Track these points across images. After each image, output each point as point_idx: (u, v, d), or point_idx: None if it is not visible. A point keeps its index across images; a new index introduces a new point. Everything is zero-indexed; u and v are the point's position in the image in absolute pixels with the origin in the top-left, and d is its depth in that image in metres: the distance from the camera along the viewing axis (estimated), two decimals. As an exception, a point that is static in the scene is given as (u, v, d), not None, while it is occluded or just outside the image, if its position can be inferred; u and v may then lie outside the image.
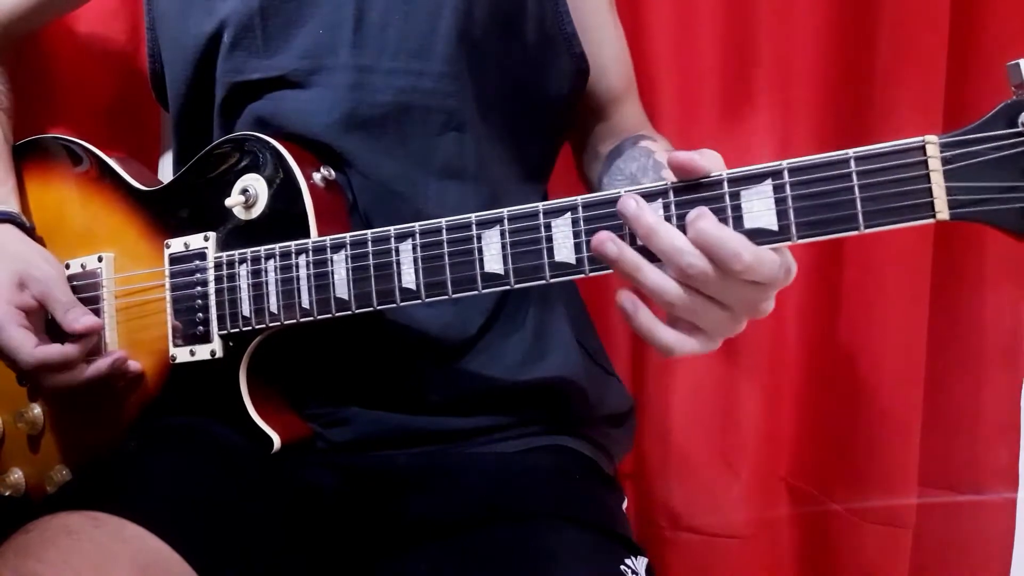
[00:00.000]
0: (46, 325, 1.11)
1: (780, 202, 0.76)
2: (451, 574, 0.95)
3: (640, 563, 1.00)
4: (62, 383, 1.08)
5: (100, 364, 1.08)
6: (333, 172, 1.06)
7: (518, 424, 1.13)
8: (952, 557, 1.51)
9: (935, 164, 0.71)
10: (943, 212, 0.71)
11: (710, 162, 0.79)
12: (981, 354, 1.47)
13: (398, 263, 0.93)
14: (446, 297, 0.91)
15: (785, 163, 0.76)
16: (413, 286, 0.92)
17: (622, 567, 0.97)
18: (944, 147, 0.71)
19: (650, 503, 1.55)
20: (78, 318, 1.07)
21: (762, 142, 1.46)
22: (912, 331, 1.45)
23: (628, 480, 1.55)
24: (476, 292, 0.89)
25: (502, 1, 1.12)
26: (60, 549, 0.83)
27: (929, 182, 0.71)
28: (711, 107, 1.49)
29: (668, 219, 0.80)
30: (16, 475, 1.18)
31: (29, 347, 1.05)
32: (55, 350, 1.06)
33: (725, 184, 0.78)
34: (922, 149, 0.72)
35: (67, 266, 1.14)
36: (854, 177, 0.73)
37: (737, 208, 0.77)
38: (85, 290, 1.12)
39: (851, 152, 0.74)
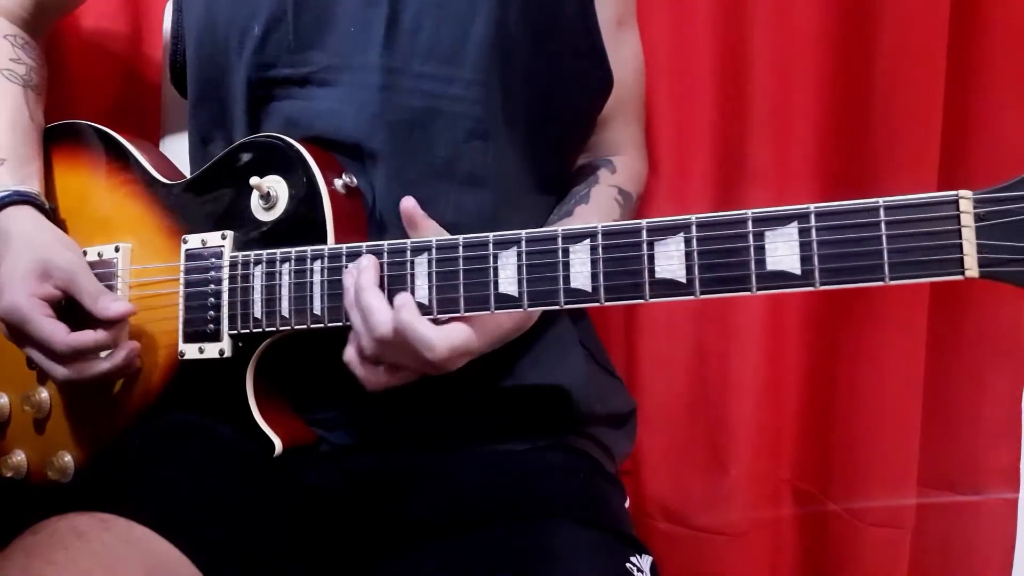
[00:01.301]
0: (65, 314, 1.07)
1: (805, 247, 0.74)
2: (456, 573, 0.95)
3: (645, 561, 0.99)
4: (87, 374, 1.04)
5: (117, 356, 1.05)
6: (355, 180, 1.03)
7: (522, 425, 1.11)
8: (952, 558, 1.50)
9: (967, 220, 0.68)
10: (972, 269, 0.69)
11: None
12: (981, 354, 1.45)
13: (412, 276, 0.90)
14: (457, 314, 0.89)
15: (812, 207, 0.74)
16: (425, 301, 0.90)
17: (627, 565, 0.97)
18: (978, 203, 0.69)
19: (644, 498, 1.54)
20: (109, 305, 1.03)
21: (761, 145, 1.44)
22: (912, 331, 1.43)
23: (623, 476, 1.54)
24: (488, 312, 0.88)
25: (536, 12, 1.08)
26: (69, 551, 0.82)
27: (960, 238, 0.69)
28: (707, 112, 1.46)
29: (690, 254, 0.78)
30: (19, 457, 1.16)
31: (62, 334, 1.02)
32: (89, 336, 1.03)
33: (750, 223, 0.76)
34: (955, 204, 0.69)
35: (84, 253, 1.12)
36: (883, 227, 0.71)
37: (760, 250, 0.75)
38: (100, 279, 1.08)
39: (881, 201, 0.71)
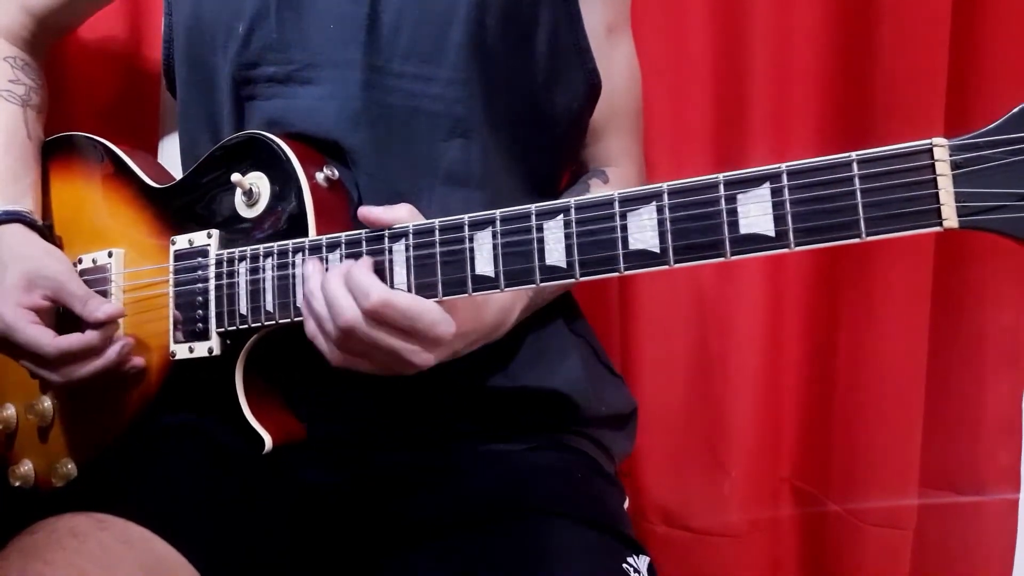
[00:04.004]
0: (58, 322, 1.05)
1: (778, 207, 0.68)
2: (455, 572, 0.90)
3: (642, 562, 0.94)
4: (80, 375, 1.01)
5: (109, 353, 1.01)
6: (337, 172, 0.99)
7: (522, 424, 1.06)
8: (953, 558, 1.45)
9: (943, 168, 0.62)
10: (951, 220, 0.62)
11: (396, 214, 0.86)
12: (982, 355, 1.41)
13: (391, 263, 0.85)
14: (436, 299, 0.84)
15: (784, 166, 0.68)
16: (405, 286, 0.84)
17: (624, 565, 0.92)
18: (954, 150, 0.62)
19: (641, 500, 1.50)
20: (98, 307, 1.01)
21: (758, 147, 1.39)
22: (914, 332, 1.39)
23: (621, 478, 1.49)
24: (466, 295, 0.82)
25: (515, 11, 1.04)
26: (66, 551, 0.79)
27: (936, 188, 0.62)
28: (705, 112, 1.42)
29: (663, 222, 0.72)
30: (27, 466, 1.13)
31: (48, 339, 0.99)
32: (76, 339, 1.00)
33: (721, 187, 0.70)
34: (929, 152, 0.63)
35: (79, 261, 1.09)
36: (856, 181, 0.65)
37: (733, 212, 0.69)
38: (94, 285, 1.06)
39: (854, 155, 0.65)
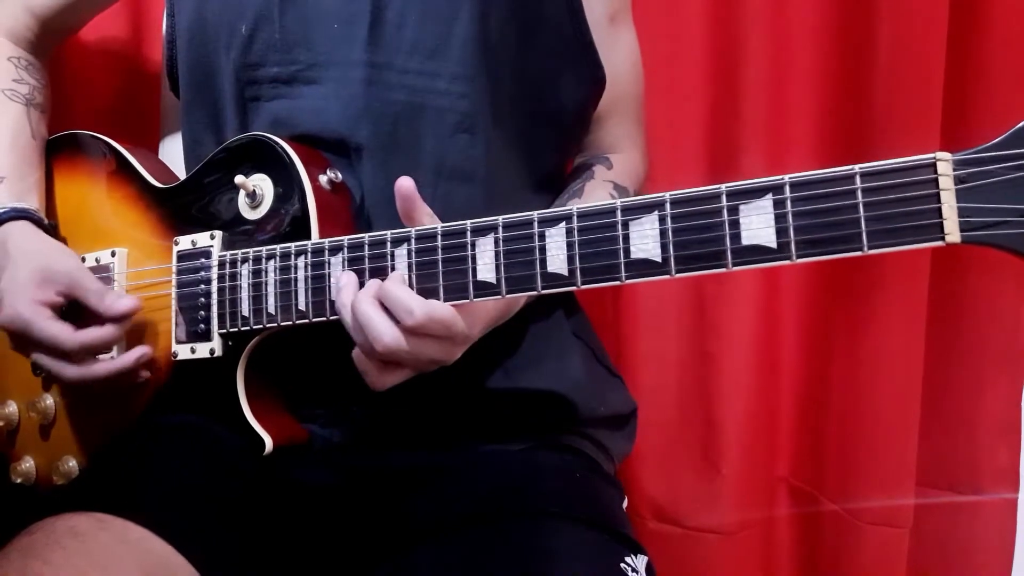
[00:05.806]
0: (68, 320, 1.04)
1: (780, 219, 0.67)
2: (455, 572, 0.89)
3: (640, 561, 0.93)
4: (96, 372, 1.01)
5: (128, 356, 1.01)
6: (340, 175, 0.99)
7: (522, 424, 1.06)
8: (952, 558, 1.45)
9: (946, 183, 0.62)
10: (953, 234, 0.62)
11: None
12: (981, 354, 1.41)
13: (392, 268, 0.85)
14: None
15: (787, 177, 0.68)
16: (406, 291, 0.84)
17: (622, 565, 0.91)
18: (957, 165, 0.62)
19: (634, 496, 1.49)
20: (115, 302, 1.00)
21: (754, 150, 1.39)
22: (911, 330, 1.38)
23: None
24: (468, 300, 0.82)
25: (520, 6, 1.04)
26: (66, 551, 0.78)
27: (939, 202, 0.62)
28: (700, 115, 1.42)
29: (665, 231, 0.72)
30: (28, 463, 1.12)
31: (69, 333, 0.98)
32: (96, 333, 0.99)
33: (723, 198, 0.70)
34: (933, 167, 0.62)
35: (82, 260, 1.08)
36: (859, 194, 0.65)
37: (735, 224, 0.69)
38: None
39: (857, 168, 0.65)
